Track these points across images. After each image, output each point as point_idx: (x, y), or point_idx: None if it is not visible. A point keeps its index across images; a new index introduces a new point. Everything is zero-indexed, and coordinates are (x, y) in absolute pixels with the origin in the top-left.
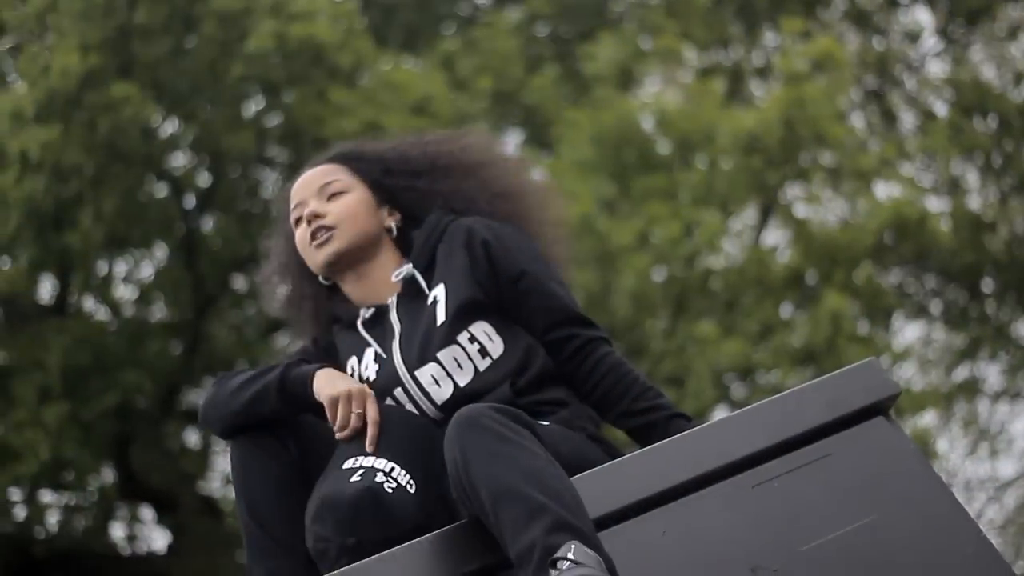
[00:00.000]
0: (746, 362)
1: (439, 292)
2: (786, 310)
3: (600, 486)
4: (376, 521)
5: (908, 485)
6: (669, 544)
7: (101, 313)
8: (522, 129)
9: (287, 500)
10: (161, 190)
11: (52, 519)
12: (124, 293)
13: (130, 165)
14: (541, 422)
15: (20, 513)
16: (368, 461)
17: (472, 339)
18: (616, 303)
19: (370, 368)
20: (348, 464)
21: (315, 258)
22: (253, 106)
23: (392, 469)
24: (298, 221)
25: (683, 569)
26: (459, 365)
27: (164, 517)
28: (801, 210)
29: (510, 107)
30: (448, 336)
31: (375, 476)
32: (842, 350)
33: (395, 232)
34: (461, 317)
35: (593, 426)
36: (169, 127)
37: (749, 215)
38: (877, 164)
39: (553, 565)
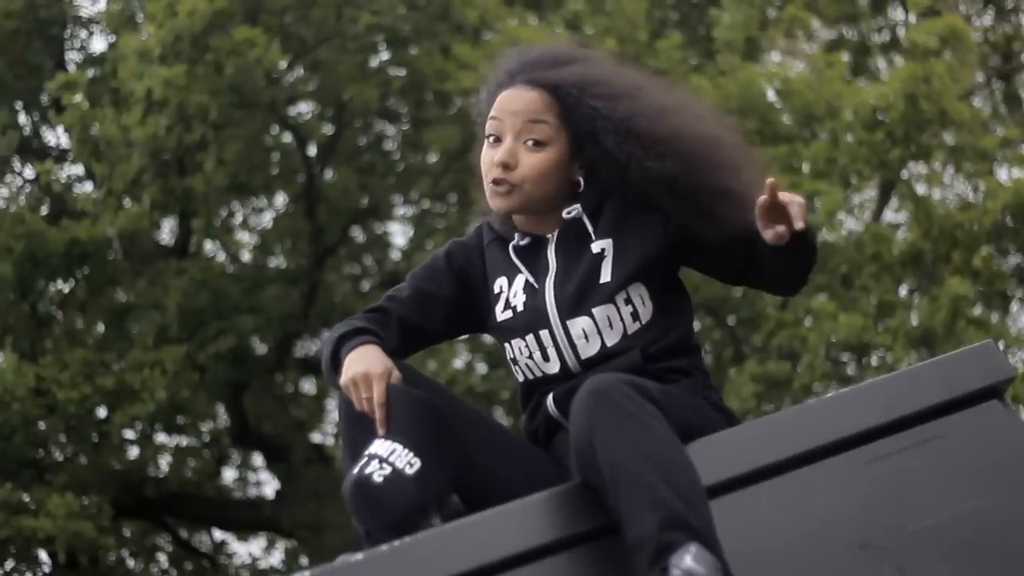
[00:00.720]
0: (861, 339)
1: (606, 246)
2: (903, 289)
3: (716, 453)
4: (368, 513)
5: (1021, 470)
6: (779, 516)
7: (220, 257)
8: None
9: None
10: (284, 138)
11: (164, 460)
12: (244, 239)
13: (254, 111)
14: (667, 387)
15: (134, 452)
16: (373, 447)
17: (628, 301)
18: None
19: (519, 296)
20: (363, 451)
21: (490, 199)
22: (378, 58)
23: (392, 452)
24: (490, 138)
25: (791, 542)
26: (610, 324)
27: (274, 464)
28: (922, 189)
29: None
30: (608, 295)
31: (369, 465)
32: (961, 333)
33: (582, 187)
34: (625, 278)
35: (715, 394)
36: (293, 75)
37: (870, 191)
38: (999, 145)
39: (666, 562)
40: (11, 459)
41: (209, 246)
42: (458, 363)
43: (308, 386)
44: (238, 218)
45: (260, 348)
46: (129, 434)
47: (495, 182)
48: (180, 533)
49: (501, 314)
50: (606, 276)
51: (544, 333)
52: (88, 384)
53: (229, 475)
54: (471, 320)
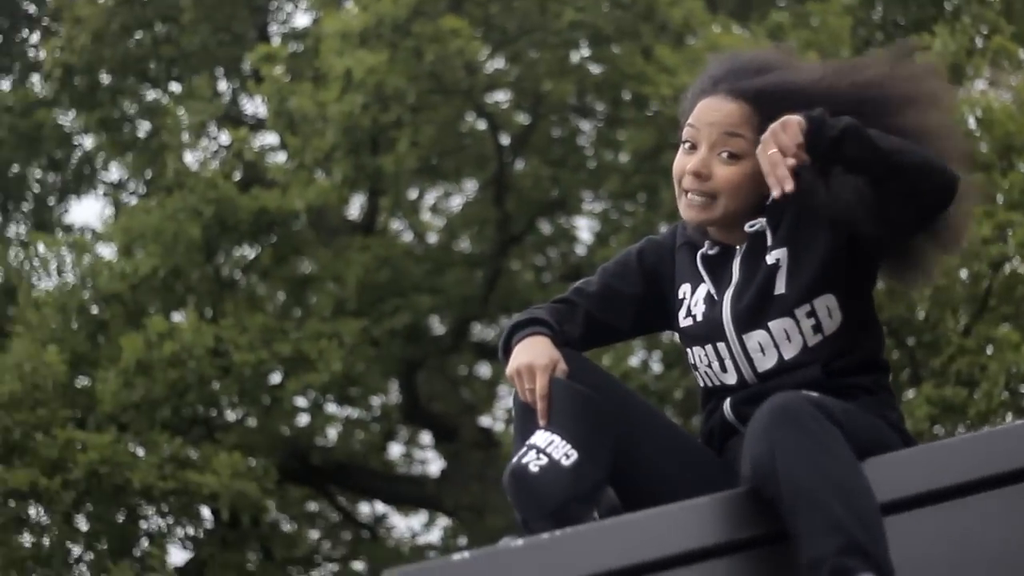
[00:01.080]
0: None
1: (781, 256)
2: None
3: (889, 472)
4: (523, 502)
5: None
6: (946, 541)
7: (407, 237)
8: None
9: None
10: (479, 125)
11: (333, 430)
12: (431, 221)
13: (450, 97)
14: (846, 404)
15: (303, 420)
16: (534, 437)
17: (811, 314)
18: (916, 295)
19: (699, 306)
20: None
21: (681, 208)
22: (578, 54)
23: (551, 443)
24: (686, 144)
25: (957, 568)
26: (788, 338)
27: (441, 443)
28: None
29: None
30: (785, 308)
31: (527, 455)
32: None
33: (772, 200)
34: (804, 291)
35: (894, 414)
36: (493, 64)
37: None
38: None
39: None
40: (183, 416)
41: (396, 225)
42: (633, 360)
43: (482, 370)
44: (427, 200)
45: (437, 328)
46: (301, 402)
47: (687, 191)
48: (341, 503)
49: (683, 320)
50: (780, 287)
51: (721, 345)
52: (265, 349)
53: (396, 450)
54: (657, 320)
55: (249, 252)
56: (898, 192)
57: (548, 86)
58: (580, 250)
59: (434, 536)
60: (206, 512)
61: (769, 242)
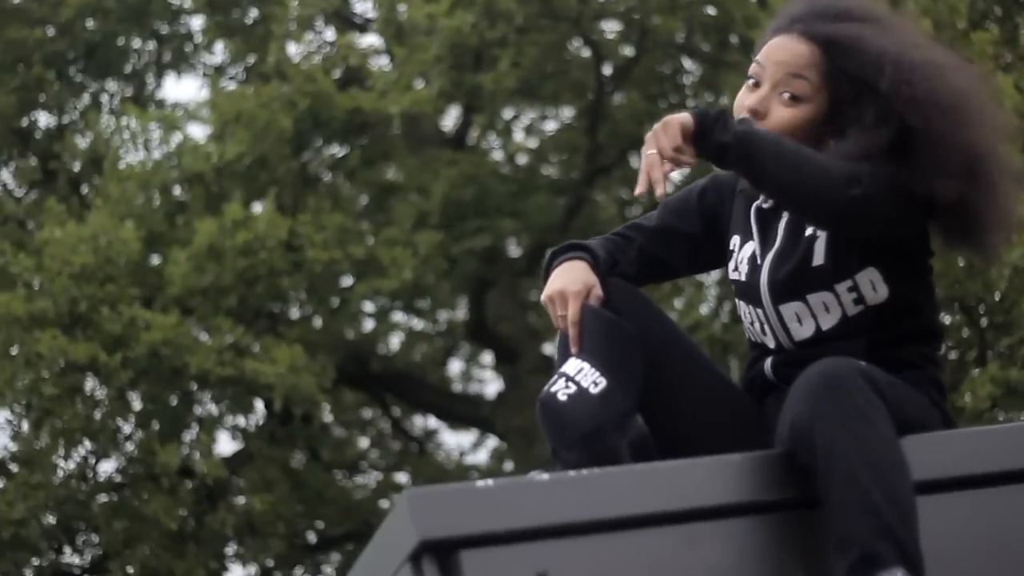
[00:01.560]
0: None
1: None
2: None
3: (928, 453)
4: (553, 430)
5: None
6: (975, 528)
7: (497, 156)
8: None
9: None
10: (583, 52)
11: (396, 339)
12: (523, 142)
13: (558, 21)
14: (892, 377)
15: (368, 326)
16: (565, 366)
17: (853, 288)
18: (996, 274)
19: (744, 264)
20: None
21: None
22: None
23: (580, 371)
24: (750, 81)
25: (985, 556)
26: (827, 309)
27: (502, 365)
28: None
29: None
30: (825, 281)
31: (557, 383)
32: None
33: (827, 148)
34: (845, 265)
35: (937, 392)
36: None
37: None
38: None
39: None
40: (249, 306)
41: (487, 143)
42: (704, 309)
43: None
44: (521, 122)
45: (514, 251)
46: (368, 307)
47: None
48: (394, 412)
49: (731, 272)
50: (819, 259)
51: (759, 310)
52: (339, 250)
53: (455, 367)
54: (713, 260)
55: (339, 151)
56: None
57: (657, 20)
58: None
59: (481, 457)
60: (259, 405)
61: None
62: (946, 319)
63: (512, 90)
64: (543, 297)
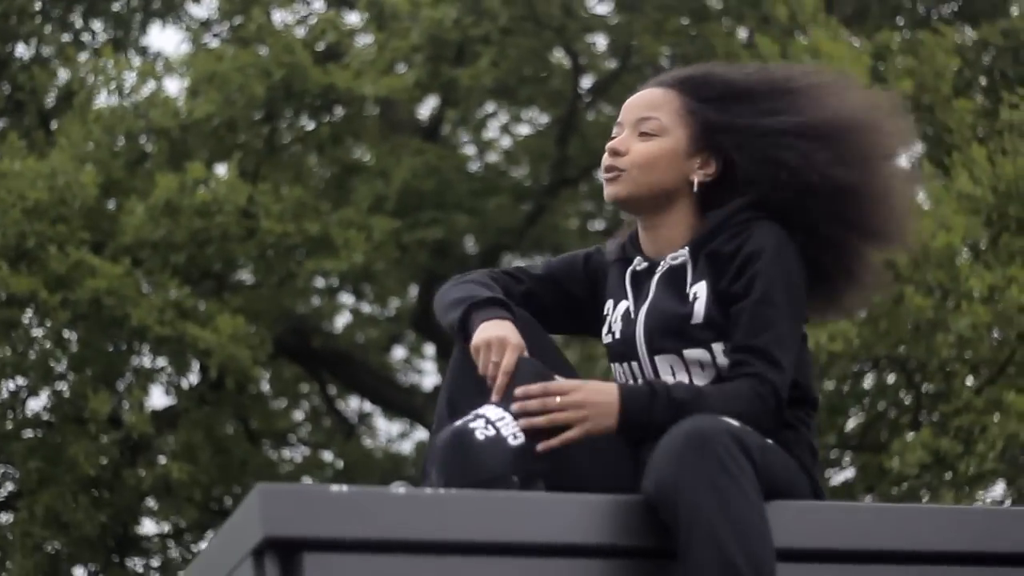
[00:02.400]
0: None
1: (700, 290)
2: None
3: (792, 521)
4: (457, 465)
5: None
6: None
7: (466, 151)
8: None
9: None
10: (564, 62)
11: (342, 319)
12: (494, 141)
13: (542, 28)
14: (767, 440)
15: (315, 302)
16: (484, 409)
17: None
18: (940, 340)
19: (617, 324)
20: (465, 409)
21: (604, 189)
22: (677, 20)
23: (501, 419)
24: (615, 130)
25: None
26: (701, 367)
27: (443, 360)
28: None
29: None
30: (702, 339)
31: (474, 421)
32: None
33: (695, 187)
34: (723, 326)
35: (811, 456)
36: (595, 5)
37: None
38: None
39: None
40: (198, 265)
41: (460, 138)
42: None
43: None
44: (493, 122)
45: (470, 248)
46: (319, 283)
47: (606, 168)
48: (331, 391)
49: (605, 337)
50: (698, 317)
51: (634, 364)
52: (294, 224)
53: (398, 354)
54: (586, 324)
55: (309, 124)
56: None
57: (643, 41)
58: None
59: (407, 448)
60: (196, 365)
61: (690, 275)
62: (889, 378)
63: (489, 89)
64: (478, 341)
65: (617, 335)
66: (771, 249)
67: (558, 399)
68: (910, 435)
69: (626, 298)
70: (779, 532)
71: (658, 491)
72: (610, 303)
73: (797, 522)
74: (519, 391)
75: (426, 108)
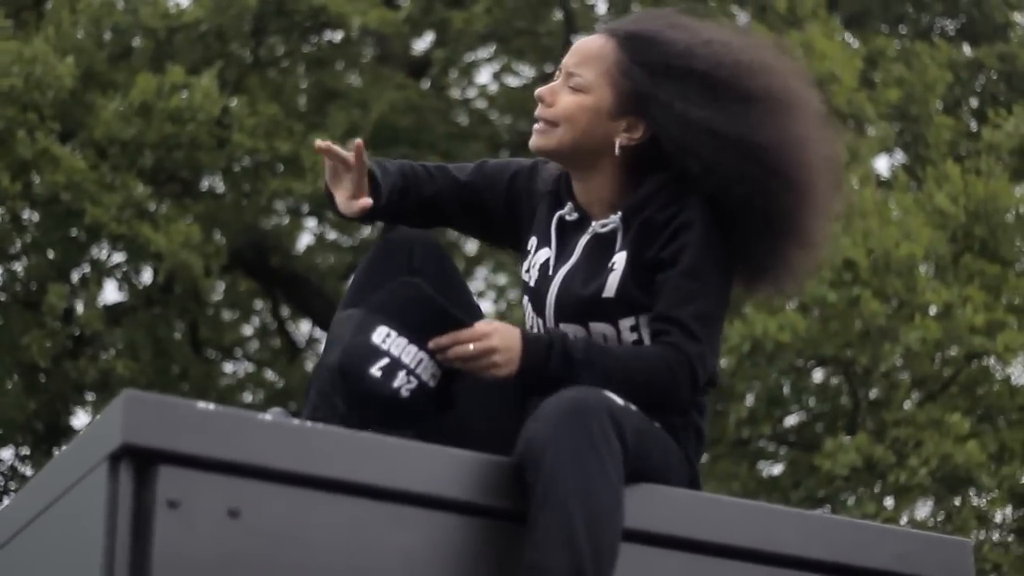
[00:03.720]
0: (971, 472)
1: (619, 260)
2: None
3: (658, 505)
4: (376, 413)
5: None
6: None
7: (452, 94)
8: None
9: None
10: (556, 15)
11: (304, 242)
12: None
13: None
14: (654, 423)
15: (283, 221)
16: (402, 353)
17: (635, 327)
18: (888, 349)
19: (535, 270)
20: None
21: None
22: None
23: (419, 362)
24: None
25: None
26: (605, 340)
27: None
28: None
29: None
30: (610, 314)
31: (396, 376)
32: None
33: (617, 151)
34: (633, 304)
35: (696, 441)
36: None
37: None
38: None
39: None
40: (165, 169)
41: (447, 80)
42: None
43: (469, 246)
44: (489, 66)
45: None
46: (280, 205)
47: (534, 119)
48: (282, 312)
49: (523, 273)
50: (610, 291)
51: (540, 321)
52: (266, 140)
53: None
54: (499, 238)
55: (297, 44)
56: None
57: (643, 8)
58: None
59: None
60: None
61: (618, 243)
62: (832, 379)
63: (480, 34)
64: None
65: (531, 284)
66: (702, 224)
67: (471, 347)
68: (846, 438)
69: (549, 246)
70: (641, 515)
71: (526, 454)
72: (533, 241)
73: (660, 507)
74: (432, 343)
75: (421, 44)
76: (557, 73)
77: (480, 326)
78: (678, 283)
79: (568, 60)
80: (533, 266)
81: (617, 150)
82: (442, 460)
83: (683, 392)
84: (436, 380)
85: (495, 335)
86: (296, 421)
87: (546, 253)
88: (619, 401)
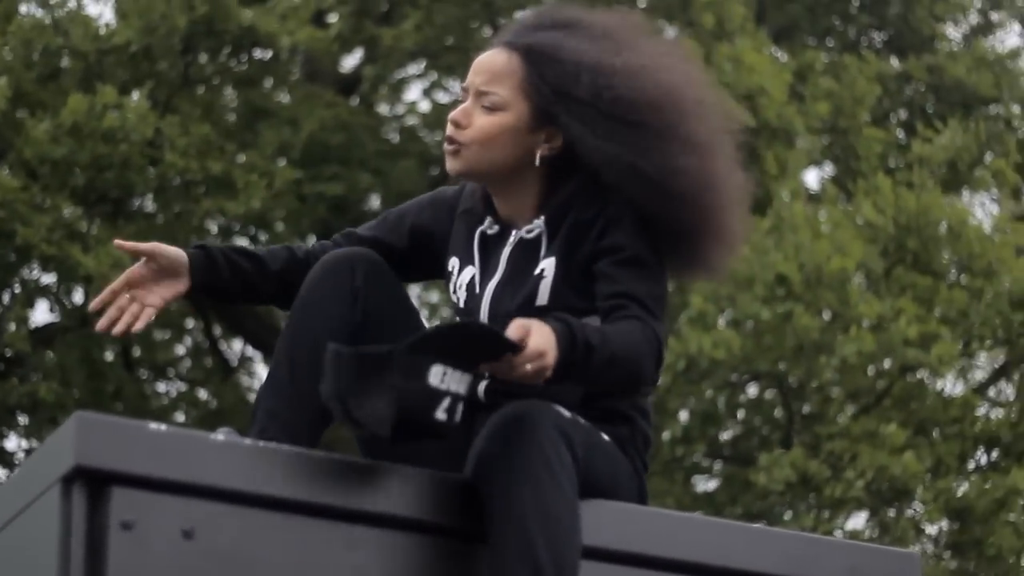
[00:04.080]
0: (907, 484)
1: (548, 266)
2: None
3: (608, 521)
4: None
5: None
6: None
7: (380, 110)
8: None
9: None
10: (485, 32)
11: None
12: (414, 101)
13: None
14: (602, 435)
15: (215, 241)
16: (440, 378)
17: None
18: (823, 362)
19: (462, 291)
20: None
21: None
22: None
23: (460, 380)
24: (460, 99)
25: None
26: None
27: None
28: None
29: None
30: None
31: (441, 405)
32: (1000, 526)
33: (538, 161)
34: (567, 308)
35: (641, 459)
36: None
37: (992, 359)
38: None
39: None
40: (96, 189)
41: (377, 97)
42: None
43: None
44: (419, 83)
45: (371, 204)
46: (212, 225)
47: (448, 139)
48: (214, 331)
49: (451, 296)
50: (543, 299)
51: None
52: (198, 160)
53: None
54: (420, 274)
55: (228, 61)
56: None
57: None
58: None
59: None
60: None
61: (543, 249)
62: (766, 394)
63: (409, 52)
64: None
65: (461, 305)
66: (630, 215)
67: (528, 367)
68: (779, 452)
69: (472, 264)
70: (592, 531)
71: (477, 472)
72: (455, 261)
73: (611, 523)
74: (491, 370)
75: (350, 61)
76: (463, 93)
77: (533, 343)
78: (623, 266)
79: (475, 79)
80: (459, 287)
81: (538, 161)
82: (395, 479)
83: (653, 368)
84: (471, 387)
85: (547, 349)
86: (247, 441)
87: (471, 271)
88: (566, 414)
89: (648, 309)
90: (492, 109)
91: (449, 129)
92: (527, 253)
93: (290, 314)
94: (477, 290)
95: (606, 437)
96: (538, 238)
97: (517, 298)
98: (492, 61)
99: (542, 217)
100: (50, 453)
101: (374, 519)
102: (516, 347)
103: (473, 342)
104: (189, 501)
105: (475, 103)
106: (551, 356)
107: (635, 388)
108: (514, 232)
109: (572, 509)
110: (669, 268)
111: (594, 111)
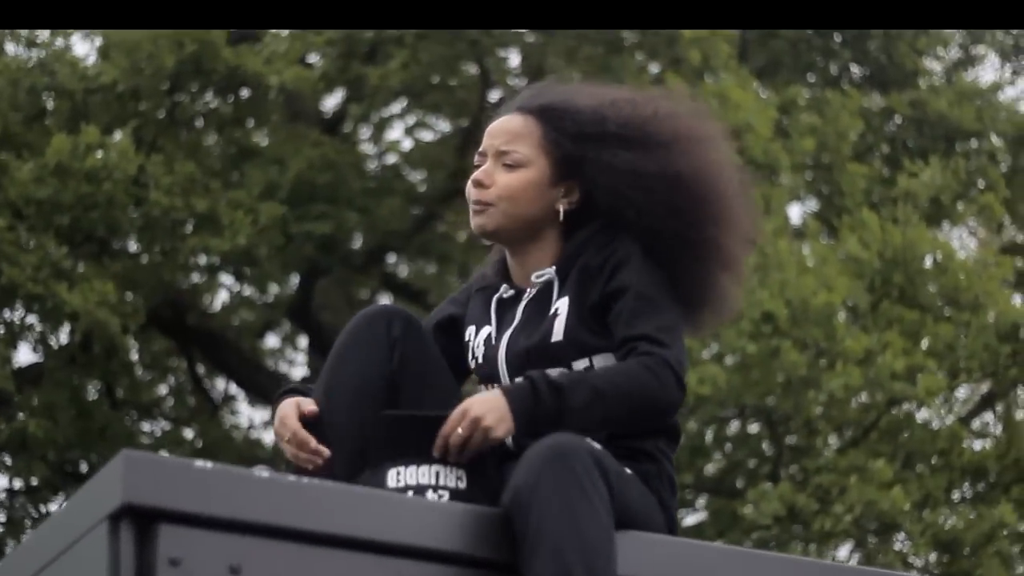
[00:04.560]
0: (895, 519)
1: (562, 305)
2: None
3: (643, 552)
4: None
5: None
6: None
7: (365, 148)
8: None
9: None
10: (471, 70)
11: (220, 299)
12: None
13: (457, 37)
14: (625, 469)
15: (197, 278)
16: (414, 475)
17: (590, 368)
18: (811, 397)
19: (480, 349)
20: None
21: (471, 222)
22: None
23: (437, 476)
24: (478, 159)
25: None
26: None
27: (315, 353)
28: (1021, 414)
29: None
30: (562, 358)
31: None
32: (987, 559)
33: (562, 216)
34: (583, 345)
35: (669, 490)
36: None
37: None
38: None
39: None
40: (81, 229)
41: (361, 135)
42: None
43: (383, 300)
44: (403, 121)
45: (356, 245)
46: (202, 260)
47: (473, 202)
48: (198, 369)
49: (471, 361)
50: (558, 335)
51: (497, 387)
52: (183, 198)
53: (271, 342)
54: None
55: (213, 101)
56: None
57: (555, 65)
58: None
59: (268, 437)
60: (68, 326)
61: (556, 292)
62: (752, 428)
63: (395, 90)
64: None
65: (480, 360)
66: (637, 256)
67: (459, 431)
68: (767, 485)
69: (489, 323)
70: (627, 562)
71: (513, 501)
72: (471, 329)
73: (646, 554)
74: (435, 454)
75: (332, 101)
76: (479, 158)
77: (456, 411)
78: (633, 307)
79: (494, 141)
80: (477, 347)
81: (561, 216)
82: (436, 513)
83: (671, 392)
84: (464, 479)
85: (472, 407)
86: (292, 477)
87: (487, 330)
88: (597, 445)
89: (655, 341)
90: (514, 166)
91: (473, 191)
92: (541, 300)
93: (328, 361)
94: (494, 342)
95: (629, 471)
96: (549, 285)
97: (533, 337)
98: (509, 123)
99: (552, 267)
100: (97, 491)
101: (418, 553)
102: (442, 420)
103: (410, 433)
104: (236, 537)
105: (495, 164)
106: (489, 413)
107: (652, 414)
108: (529, 290)
109: (609, 539)
110: (686, 312)
111: (611, 154)
